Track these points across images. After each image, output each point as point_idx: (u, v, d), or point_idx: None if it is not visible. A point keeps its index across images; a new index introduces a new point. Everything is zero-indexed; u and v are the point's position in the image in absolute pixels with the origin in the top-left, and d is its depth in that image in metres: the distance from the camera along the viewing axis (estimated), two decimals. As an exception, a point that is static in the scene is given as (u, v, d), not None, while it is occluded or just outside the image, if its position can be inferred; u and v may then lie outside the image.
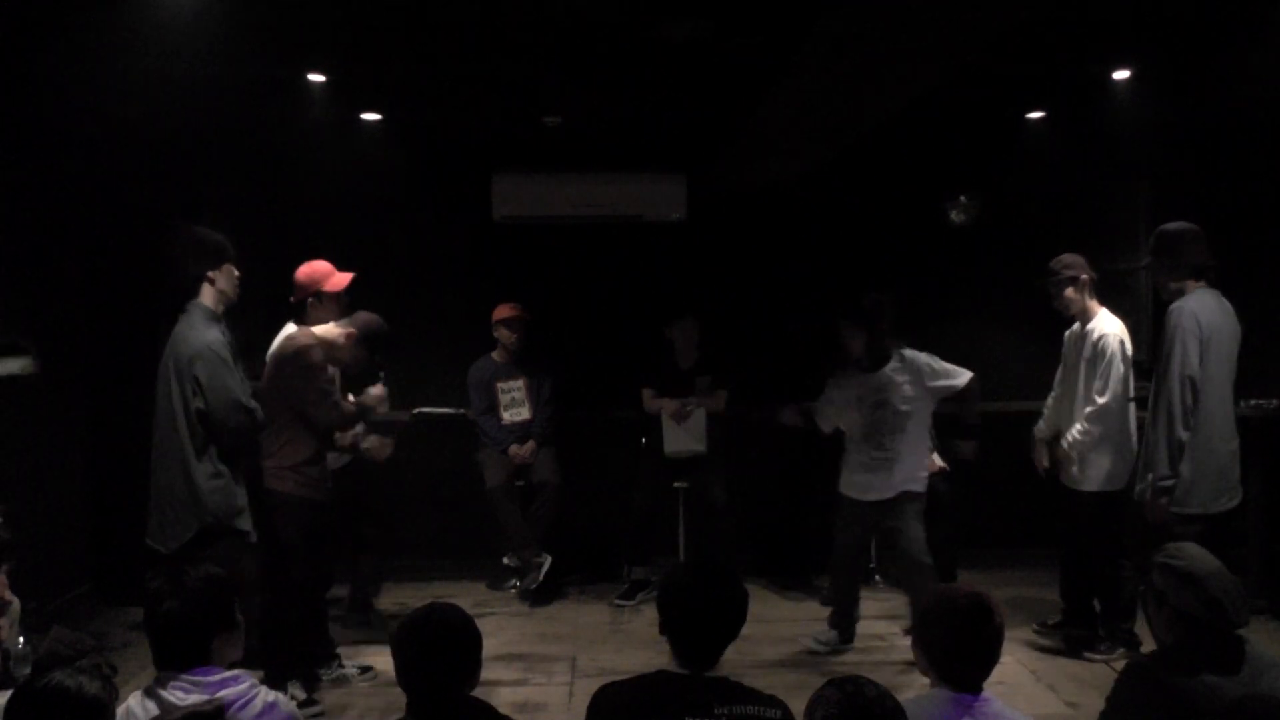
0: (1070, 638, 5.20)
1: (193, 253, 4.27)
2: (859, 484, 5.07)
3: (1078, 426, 4.95)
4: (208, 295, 4.27)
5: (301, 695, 4.49)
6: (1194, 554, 2.77)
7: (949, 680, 2.45)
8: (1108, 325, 4.96)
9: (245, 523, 4.27)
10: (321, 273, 4.81)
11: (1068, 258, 5.04)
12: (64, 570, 5.54)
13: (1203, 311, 4.35)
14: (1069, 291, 4.99)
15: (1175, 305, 4.39)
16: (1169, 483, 4.31)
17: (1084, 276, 4.99)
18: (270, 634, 4.41)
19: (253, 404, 4.22)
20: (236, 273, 4.33)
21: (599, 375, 6.52)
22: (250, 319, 4.68)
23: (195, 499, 4.12)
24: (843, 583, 5.25)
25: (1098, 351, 4.90)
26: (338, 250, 5.24)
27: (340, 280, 4.81)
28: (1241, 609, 2.67)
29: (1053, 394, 5.27)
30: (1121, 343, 4.91)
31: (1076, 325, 5.11)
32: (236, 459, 4.27)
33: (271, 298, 5.14)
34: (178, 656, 2.51)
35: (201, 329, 4.18)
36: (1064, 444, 5.03)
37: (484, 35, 4.59)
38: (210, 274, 4.27)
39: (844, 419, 5.11)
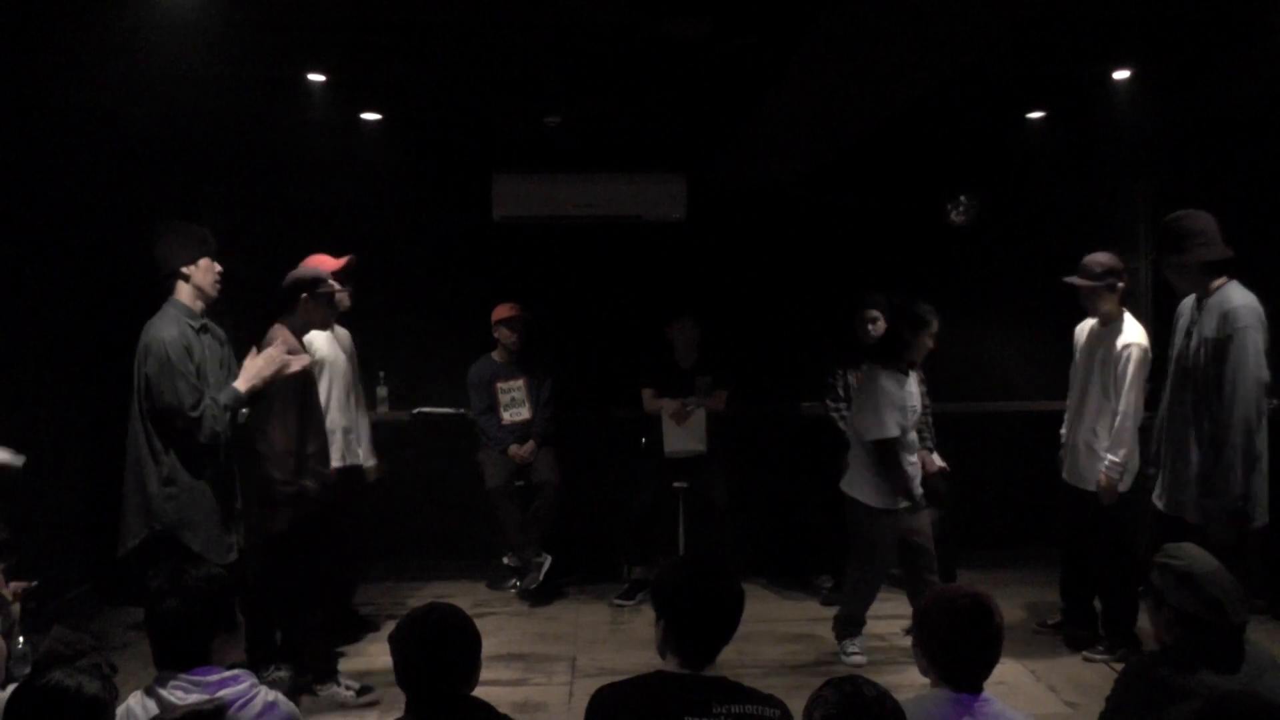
0: (1070, 638, 5.20)
1: (166, 249, 4.06)
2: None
3: (1102, 441, 4.85)
4: (184, 293, 4.05)
5: (349, 692, 4.52)
6: (1193, 554, 2.77)
7: (949, 680, 2.46)
8: (1134, 334, 4.83)
9: (194, 540, 3.96)
10: (318, 260, 5.06)
11: (1105, 259, 4.85)
12: (64, 570, 5.54)
13: (1258, 309, 4.05)
14: (1107, 296, 4.85)
15: (1229, 307, 4.04)
16: (1247, 503, 4.03)
17: (1121, 283, 4.86)
18: (295, 638, 4.41)
19: (201, 409, 3.90)
20: (218, 267, 4.12)
21: (599, 375, 6.53)
22: (249, 318, 4.64)
23: (145, 503, 3.94)
24: (870, 598, 5.11)
25: (1124, 361, 4.79)
26: (338, 251, 5.26)
27: (335, 262, 5.04)
28: (1241, 608, 2.67)
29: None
30: (1145, 352, 4.82)
31: (1094, 323, 4.99)
32: (201, 463, 4.00)
33: (269, 297, 5.14)
34: (178, 656, 2.51)
35: (163, 325, 3.96)
36: (1079, 450, 4.99)
37: (484, 35, 4.58)
38: (185, 270, 4.04)
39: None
